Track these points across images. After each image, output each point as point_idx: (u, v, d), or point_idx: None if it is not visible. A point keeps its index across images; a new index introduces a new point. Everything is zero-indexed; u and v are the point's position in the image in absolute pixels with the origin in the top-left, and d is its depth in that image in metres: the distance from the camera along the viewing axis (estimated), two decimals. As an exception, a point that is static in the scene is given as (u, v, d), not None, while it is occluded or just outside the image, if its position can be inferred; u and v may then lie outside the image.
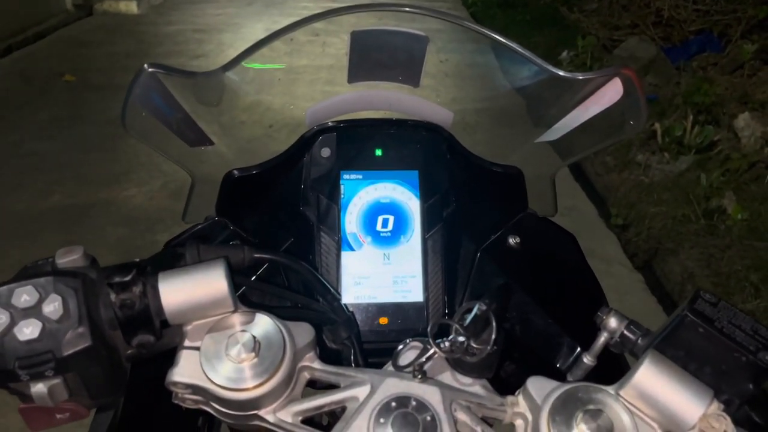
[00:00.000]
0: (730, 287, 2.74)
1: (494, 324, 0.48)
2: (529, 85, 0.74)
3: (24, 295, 0.43)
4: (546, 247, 0.78)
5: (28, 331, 0.42)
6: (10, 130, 4.32)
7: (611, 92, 0.64)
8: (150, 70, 0.65)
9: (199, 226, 0.75)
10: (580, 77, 0.67)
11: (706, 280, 2.82)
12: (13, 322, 0.42)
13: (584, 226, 3.52)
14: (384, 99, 0.75)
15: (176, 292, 0.48)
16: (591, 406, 0.45)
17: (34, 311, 0.43)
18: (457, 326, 0.49)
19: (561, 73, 0.68)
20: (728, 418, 0.42)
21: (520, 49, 0.68)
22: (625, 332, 0.53)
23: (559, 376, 0.55)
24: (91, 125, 4.47)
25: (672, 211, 3.32)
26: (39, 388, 0.42)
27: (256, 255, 0.59)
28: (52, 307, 0.43)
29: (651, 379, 0.44)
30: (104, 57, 6.13)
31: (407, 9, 0.67)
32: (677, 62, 4.81)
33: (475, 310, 0.49)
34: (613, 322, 0.54)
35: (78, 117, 4.61)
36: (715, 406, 0.43)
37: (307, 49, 6.43)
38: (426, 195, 0.73)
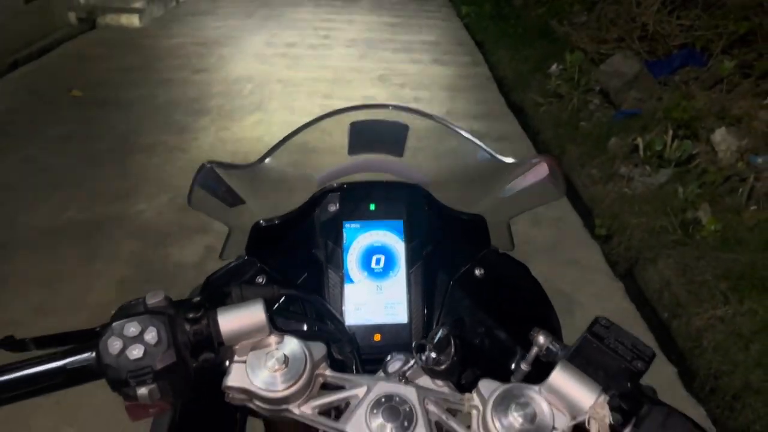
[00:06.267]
0: (702, 295, 2.82)
1: (452, 344, 0.68)
2: (477, 165, 0.98)
3: (132, 328, 0.62)
4: (505, 276, 0.98)
5: (136, 352, 0.60)
6: (23, 146, 4.38)
7: (539, 171, 0.89)
8: (209, 165, 0.88)
9: (233, 264, 0.95)
10: (517, 162, 0.91)
11: (682, 288, 2.90)
12: (125, 347, 0.61)
13: (569, 236, 3.59)
14: (377, 164, 0.97)
15: (230, 322, 0.67)
16: (522, 400, 0.62)
17: (138, 338, 0.61)
18: (430, 345, 0.70)
19: (506, 160, 0.92)
20: (607, 406, 0.61)
21: (477, 141, 0.92)
22: (550, 346, 0.72)
23: (507, 377, 0.76)
24: (100, 141, 4.54)
25: (652, 222, 3.40)
26: (142, 391, 0.60)
27: (281, 291, 0.80)
28: (151, 335, 0.61)
29: (561, 380, 0.62)
30: (110, 71, 6.15)
31: (390, 106, 0.93)
32: (660, 76, 4.94)
33: (439, 334, 0.70)
34: (541, 338, 0.72)
35: (87, 133, 4.67)
36: (602, 399, 0.62)
37: (305, 62, 6.59)
38: (409, 239, 0.91)
